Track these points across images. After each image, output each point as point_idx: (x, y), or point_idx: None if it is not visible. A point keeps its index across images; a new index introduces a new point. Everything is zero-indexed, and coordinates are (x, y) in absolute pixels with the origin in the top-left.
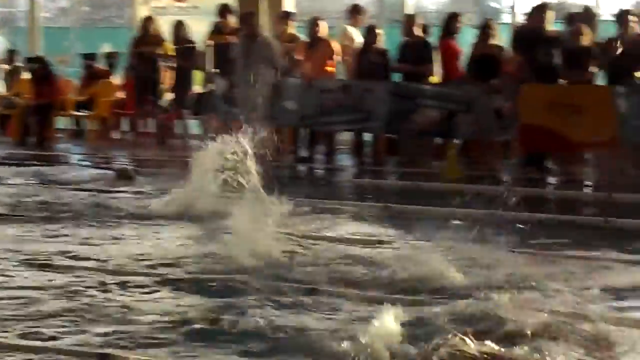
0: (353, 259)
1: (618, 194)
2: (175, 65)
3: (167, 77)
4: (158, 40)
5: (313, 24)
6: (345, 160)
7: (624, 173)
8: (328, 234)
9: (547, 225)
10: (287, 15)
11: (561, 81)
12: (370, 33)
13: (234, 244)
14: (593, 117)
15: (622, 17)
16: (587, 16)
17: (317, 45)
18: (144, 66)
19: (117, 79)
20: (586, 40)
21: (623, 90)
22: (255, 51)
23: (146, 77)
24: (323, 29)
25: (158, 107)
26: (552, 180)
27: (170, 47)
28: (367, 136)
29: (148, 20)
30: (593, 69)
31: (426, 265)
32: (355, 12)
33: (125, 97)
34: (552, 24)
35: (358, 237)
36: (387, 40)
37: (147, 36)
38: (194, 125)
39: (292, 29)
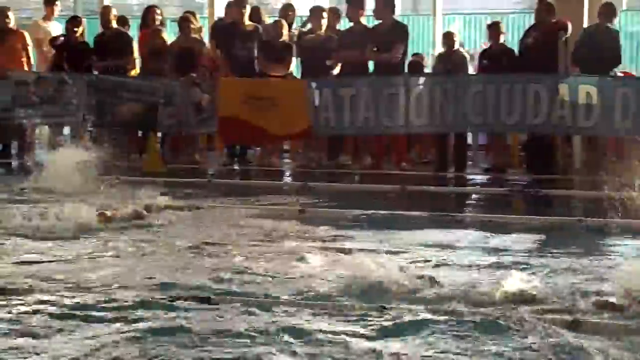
0: None
1: (313, 183)
2: None
3: None
4: None
5: (2, 14)
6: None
7: (318, 163)
8: None
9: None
10: None
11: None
12: (70, 24)
13: None
14: (288, 110)
15: (315, 12)
16: (286, 12)
17: (7, 36)
18: None
19: None
20: (285, 35)
21: (316, 84)
22: None
23: None
24: (12, 19)
25: None
26: (253, 170)
27: None
28: (67, 130)
29: None
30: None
31: None
32: (50, 3)
33: None
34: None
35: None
36: (86, 32)
37: None
38: None
39: None
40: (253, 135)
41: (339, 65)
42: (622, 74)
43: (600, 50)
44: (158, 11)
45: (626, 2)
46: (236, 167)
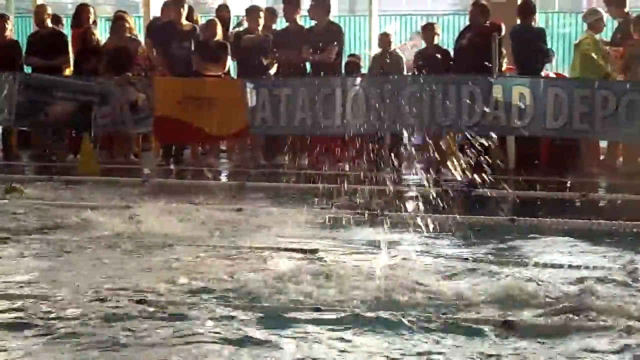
0: None
1: (251, 183)
2: None
3: None
4: None
5: None
6: None
7: (255, 162)
8: None
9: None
10: None
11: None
12: None
13: None
14: (224, 110)
15: (251, 12)
16: (221, 12)
17: None
18: None
19: None
20: (219, 34)
21: (252, 84)
22: None
23: None
24: None
25: None
26: (189, 170)
27: None
28: None
29: None
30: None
31: None
32: None
33: None
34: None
35: None
36: (18, 30)
37: None
38: None
39: None
40: (190, 136)
41: (276, 65)
42: (554, 75)
43: (526, 50)
44: (90, 10)
45: (558, 4)
46: (172, 167)
